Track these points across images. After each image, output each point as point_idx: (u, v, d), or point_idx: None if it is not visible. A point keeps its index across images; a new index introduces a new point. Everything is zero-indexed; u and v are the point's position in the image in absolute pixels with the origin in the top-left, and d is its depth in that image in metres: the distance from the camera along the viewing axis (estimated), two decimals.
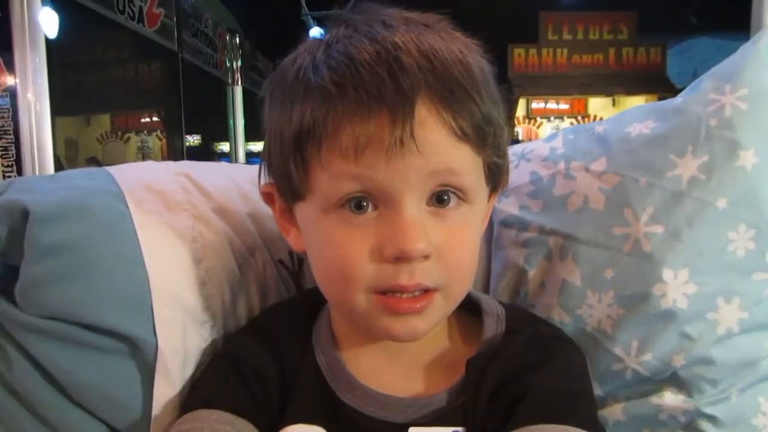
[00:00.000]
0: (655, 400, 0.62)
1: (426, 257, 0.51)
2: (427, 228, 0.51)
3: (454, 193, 0.52)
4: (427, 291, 0.53)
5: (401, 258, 0.50)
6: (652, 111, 0.70)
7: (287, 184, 0.55)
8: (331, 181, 0.51)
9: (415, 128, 0.48)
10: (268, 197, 0.62)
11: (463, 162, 0.52)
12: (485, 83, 0.53)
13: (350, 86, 0.49)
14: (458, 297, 0.57)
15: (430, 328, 0.55)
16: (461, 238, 0.53)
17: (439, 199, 0.52)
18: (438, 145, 0.50)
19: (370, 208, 0.51)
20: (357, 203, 0.51)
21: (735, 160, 0.61)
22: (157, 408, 0.60)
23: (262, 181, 0.61)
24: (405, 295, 0.52)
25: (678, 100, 0.68)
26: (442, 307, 0.55)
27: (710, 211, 0.61)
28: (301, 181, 0.53)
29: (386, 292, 0.52)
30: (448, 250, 0.52)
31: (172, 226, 0.65)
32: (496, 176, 0.58)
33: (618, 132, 0.70)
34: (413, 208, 0.50)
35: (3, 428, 0.58)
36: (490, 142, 0.53)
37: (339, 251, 0.52)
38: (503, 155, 0.57)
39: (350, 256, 0.51)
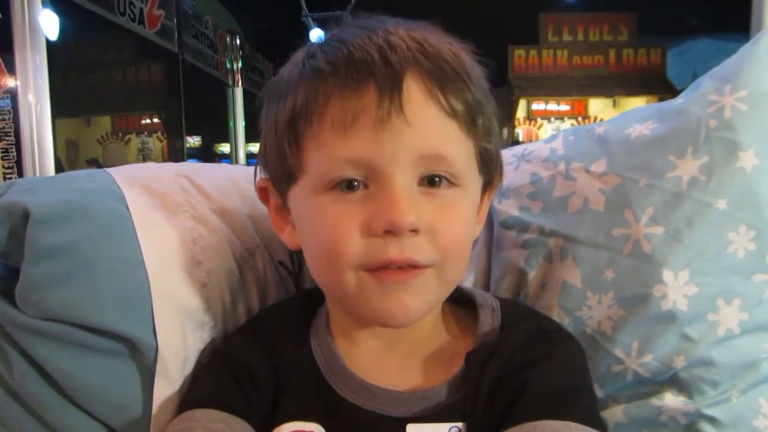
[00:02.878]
0: (655, 401, 0.62)
1: (416, 231, 0.51)
2: (418, 205, 0.51)
3: (445, 177, 0.53)
4: (417, 267, 0.52)
5: (391, 231, 0.50)
6: (652, 112, 0.70)
7: (281, 167, 0.56)
8: (323, 157, 0.52)
9: (403, 101, 0.49)
10: (263, 193, 0.63)
11: (452, 142, 0.53)
12: (476, 76, 0.55)
13: (341, 64, 0.51)
14: (454, 278, 0.57)
15: (422, 308, 0.54)
16: (453, 216, 0.54)
17: (430, 180, 0.53)
18: (427, 119, 0.51)
19: (361, 187, 0.52)
20: (348, 183, 0.52)
21: (735, 162, 0.61)
22: (156, 409, 0.60)
23: (258, 177, 0.62)
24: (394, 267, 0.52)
25: (678, 101, 0.68)
26: (435, 286, 0.54)
27: (710, 212, 0.61)
28: (294, 160, 0.54)
29: (376, 269, 0.52)
30: (440, 227, 0.52)
31: (173, 228, 0.65)
32: (488, 165, 0.58)
33: (618, 133, 0.70)
34: (403, 183, 0.51)
35: (4, 430, 0.58)
36: (481, 125, 0.54)
37: (328, 228, 0.52)
38: (495, 144, 0.58)
39: (339, 232, 0.52)
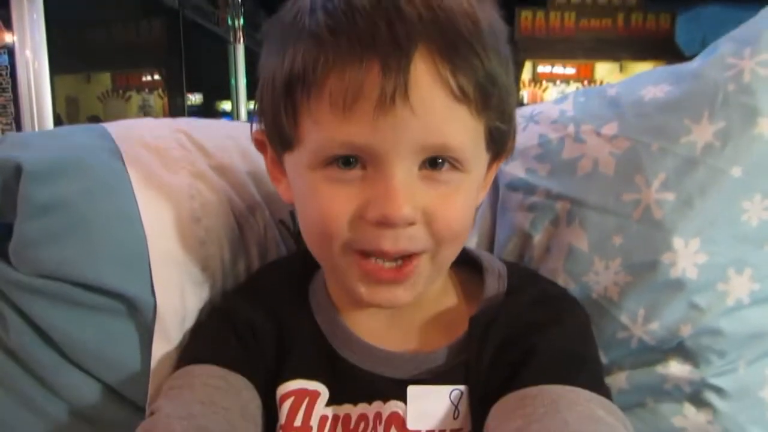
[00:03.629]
0: (660, 369, 0.61)
1: (411, 224, 0.49)
2: (416, 193, 0.49)
3: (448, 161, 0.50)
4: (411, 256, 0.51)
5: (384, 223, 0.48)
6: (666, 74, 0.67)
7: (277, 132, 0.53)
8: (319, 136, 0.49)
9: (409, 85, 0.45)
10: (260, 144, 0.60)
11: (459, 131, 0.49)
12: (493, 40, 0.49)
13: (344, 33, 0.46)
14: (447, 261, 0.55)
15: (413, 296, 0.53)
16: (453, 202, 0.51)
17: (432, 163, 0.50)
18: (434, 107, 0.46)
19: (358, 166, 0.49)
20: (345, 160, 0.49)
21: (753, 128, 0.59)
22: (155, 367, 0.59)
23: (255, 128, 0.59)
24: (387, 264, 0.51)
25: (694, 63, 0.66)
26: (427, 271, 0.53)
27: (724, 180, 0.59)
28: (290, 130, 0.51)
29: (367, 255, 0.51)
30: (437, 214, 0.50)
31: (170, 184, 0.64)
32: (498, 143, 0.55)
33: (631, 95, 0.68)
34: (403, 171, 0.48)
35: (1, 388, 0.58)
36: (494, 104, 0.50)
37: (321, 208, 0.50)
38: (508, 120, 0.54)
39: (331, 213, 0.50)
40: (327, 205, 0.50)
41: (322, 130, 0.48)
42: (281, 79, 0.50)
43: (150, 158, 0.65)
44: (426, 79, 0.46)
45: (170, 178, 0.64)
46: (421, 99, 0.46)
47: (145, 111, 7.11)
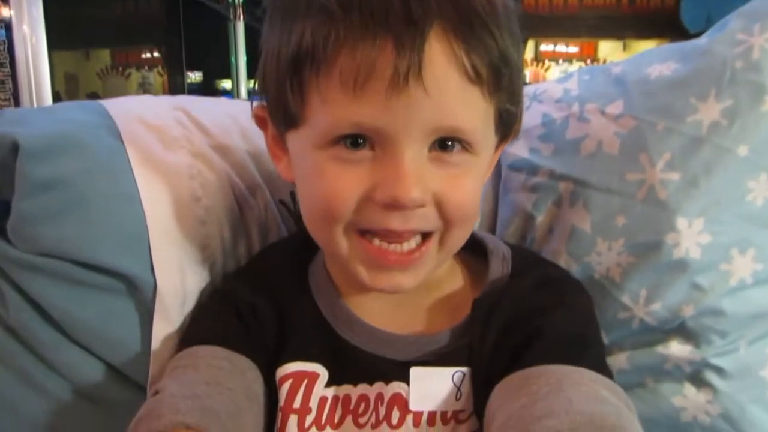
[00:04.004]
0: (660, 350, 0.61)
1: (421, 206, 0.49)
2: (425, 175, 0.48)
3: (459, 142, 0.49)
4: (423, 239, 0.51)
5: (393, 205, 0.47)
6: (673, 52, 0.66)
7: (281, 109, 0.51)
8: (327, 116, 0.47)
9: (423, 64, 0.44)
10: (260, 121, 0.58)
11: (471, 113, 0.48)
12: (506, 18, 0.48)
13: (356, 8, 0.44)
14: (455, 244, 0.54)
15: (418, 282, 0.53)
16: (463, 184, 0.50)
17: (442, 144, 0.49)
18: (448, 88, 0.46)
19: (366, 147, 0.48)
20: (353, 140, 0.48)
21: (760, 106, 0.58)
22: (156, 346, 0.59)
23: (255, 103, 0.57)
24: (392, 246, 0.50)
25: (702, 40, 0.65)
26: (434, 256, 0.53)
27: (730, 159, 0.58)
28: (296, 108, 0.49)
29: (370, 236, 0.50)
30: (447, 196, 0.49)
31: (169, 163, 0.63)
32: (507, 125, 0.54)
33: (636, 73, 0.67)
34: (413, 153, 0.47)
35: (2, 365, 0.58)
36: (505, 85, 0.49)
37: (327, 189, 0.49)
38: (517, 102, 0.53)
39: (339, 194, 0.49)
40: (334, 186, 0.49)
41: (331, 109, 0.47)
42: (288, 55, 0.48)
43: (149, 137, 0.64)
44: (440, 58, 0.45)
45: (169, 157, 0.63)
46: (435, 79, 0.45)
47: (144, 88, 7.05)
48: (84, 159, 0.58)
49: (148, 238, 0.59)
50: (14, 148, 0.55)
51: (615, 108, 0.65)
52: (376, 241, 0.50)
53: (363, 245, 0.51)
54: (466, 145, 0.49)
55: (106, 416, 0.59)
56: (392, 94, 0.44)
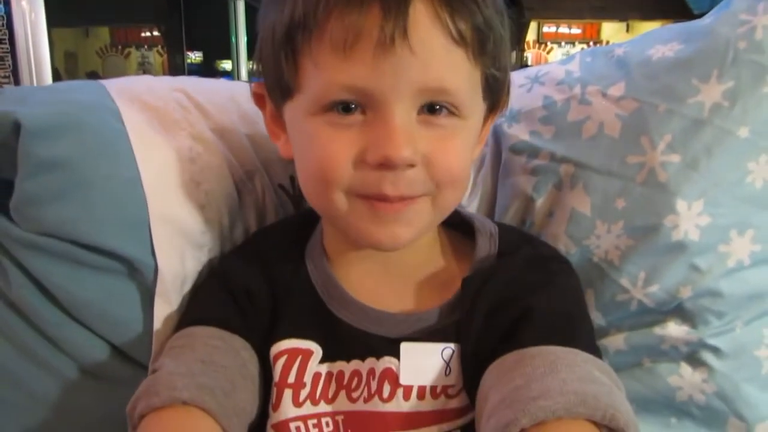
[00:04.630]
0: (658, 330, 0.62)
1: (411, 166, 0.50)
2: (415, 136, 0.49)
3: (446, 107, 0.51)
4: (412, 198, 0.52)
5: (385, 165, 0.49)
6: (676, 32, 0.66)
7: (277, 80, 0.53)
8: (319, 80, 0.49)
9: (408, 26, 0.46)
10: (258, 99, 0.60)
11: (457, 75, 0.50)
12: None
13: None
14: (448, 206, 0.56)
15: (413, 236, 0.54)
16: (452, 147, 0.52)
17: (430, 108, 0.50)
18: (433, 48, 0.47)
19: (357, 111, 0.50)
20: (345, 106, 0.49)
21: (762, 87, 0.58)
22: (157, 327, 0.60)
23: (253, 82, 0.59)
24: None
25: (706, 20, 0.65)
26: (428, 213, 0.54)
27: (731, 140, 0.59)
28: (290, 76, 0.51)
29: (368, 197, 0.51)
30: (437, 157, 0.51)
31: (170, 146, 0.63)
32: (494, 91, 0.56)
33: (639, 55, 0.67)
34: (402, 114, 0.49)
35: (5, 341, 0.58)
36: (490, 50, 0.51)
37: (321, 152, 0.51)
38: (503, 70, 0.55)
39: (332, 157, 0.50)
40: (328, 150, 0.50)
41: (322, 72, 0.49)
42: (282, 28, 0.50)
43: (149, 119, 0.64)
44: (425, 20, 0.47)
45: (170, 140, 0.64)
46: (420, 39, 0.47)
47: (144, 68, 7.02)
48: (86, 140, 0.58)
49: (149, 221, 0.59)
50: (16, 127, 0.55)
51: (617, 90, 0.65)
52: (374, 200, 0.51)
53: (361, 202, 0.52)
54: (453, 109, 0.51)
55: (109, 392, 0.60)
56: (380, 54, 0.46)
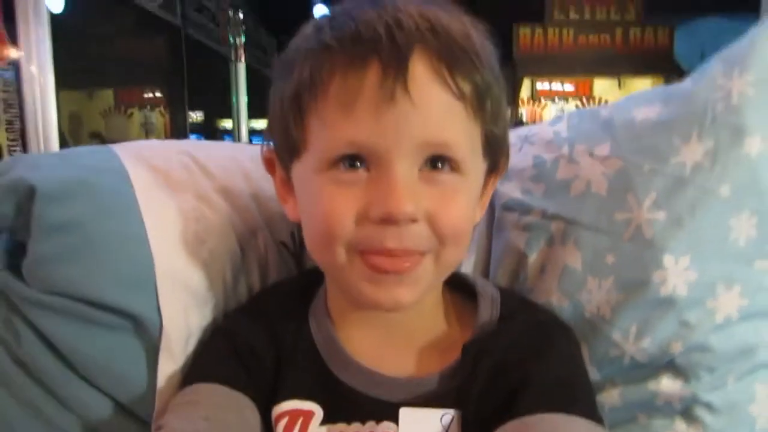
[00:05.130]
0: (652, 386, 0.62)
1: (414, 221, 0.51)
2: (417, 192, 0.51)
3: (448, 162, 0.52)
4: (416, 256, 0.53)
5: (387, 220, 0.50)
6: (658, 95, 0.69)
7: (285, 141, 0.55)
8: (325, 136, 0.51)
9: (408, 81, 0.48)
10: (269, 164, 0.63)
11: (457, 129, 0.52)
12: (486, 56, 0.53)
13: (348, 40, 0.50)
14: (450, 263, 0.56)
15: (415, 297, 0.54)
16: (454, 202, 0.53)
17: (432, 164, 0.52)
18: (432, 101, 0.50)
19: (362, 168, 0.51)
20: (351, 162, 0.51)
21: (740, 147, 0.60)
22: (161, 384, 0.61)
23: (265, 149, 0.62)
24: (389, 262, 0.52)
25: (686, 84, 0.68)
26: (431, 272, 0.54)
27: (713, 199, 0.60)
28: (298, 135, 0.54)
29: (369, 254, 0.52)
30: (440, 214, 0.52)
31: (176, 207, 0.66)
32: (494, 150, 0.57)
33: (623, 116, 0.69)
34: (404, 170, 0.50)
35: (13, 399, 0.59)
36: (489, 108, 0.53)
37: (325, 208, 0.52)
38: (502, 128, 0.57)
39: (335, 212, 0.51)
40: (331, 205, 0.52)
41: (328, 129, 0.51)
42: (289, 93, 0.53)
43: (156, 180, 0.67)
44: (425, 76, 0.49)
45: (176, 200, 0.66)
46: (420, 93, 0.49)
47: (147, 128, 7.13)
48: (95, 202, 0.61)
49: (155, 278, 0.61)
50: (31, 191, 0.58)
51: (602, 150, 0.68)
52: (375, 258, 0.52)
53: (363, 260, 0.52)
54: (454, 165, 0.53)
55: None
56: (382, 109, 0.49)
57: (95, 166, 0.65)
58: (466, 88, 0.51)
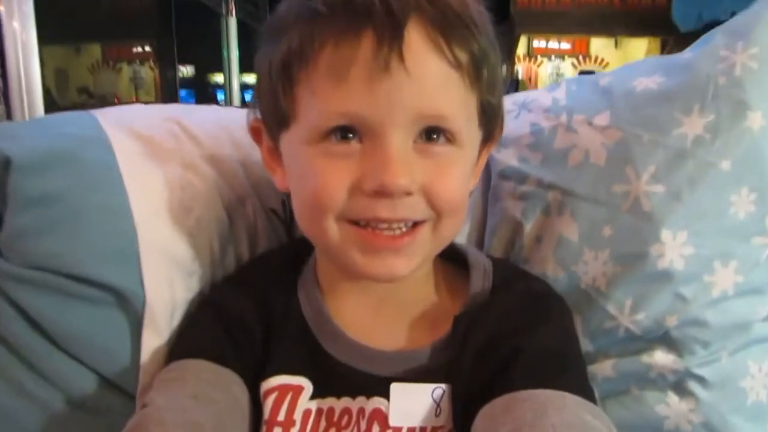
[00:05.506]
0: (645, 358, 0.62)
1: (409, 194, 0.50)
2: (412, 164, 0.49)
3: (443, 133, 0.51)
4: (414, 225, 0.52)
5: (381, 192, 0.49)
6: (659, 65, 0.67)
7: (273, 111, 0.53)
8: (316, 109, 0.49)
9: (404, 50, 0.46)
10: (256, 133, 0.60)
11: (453, 100, 0.50)
12: (483, 23, 0.52)
13: (340, 7, 0.48)
14: (447, 235, 0.55)
15: (411, 269, 0.53)
16: (449, 174, 0.52)
17: (427, 135, 0.50)
18: (429, 71, 0.48)
19: (355, 140, 0.50)
20: (343, 134, 0.49)
21: (742, 121, 0.59)
22: (145, 358, 0.60)
23: (251, 117, 0.59)
24: (385, 232, 0.51)
25: (687, 54, 0.66)
26: (428, 243, 0.53)
27: (713, 173, 0.59)
28: (287, 106, 0.52)
29: (362, 224, 0.51)
30: (435, 186, 0.51)
31: (161, 175, 0.64)
32: (490, 119, 0.56)
33: (623, 85, 0.68)
34: (399, 141, 0.49)
35: None
36: (485, 76, 0.51)
37: (317, 180, 0.50)
38: (498, 98, 0.56)
39: (327, 185, 0.50)
40: (323, 178, 0.50)
41: (318, 100, 0.49)
42: (278, 61, 0.51)
43: (141, 149, 0.64)
44: (421, 45, 0.47)
45: (161, 169, 0.64)
46: (416, 63, 0.47)
47: (136, 83, 7.01)
48: (75, 173, 0.59)
49: (138, 251, 0.59)
50: (6, 163, 0.56)
51: (602, 119, 0.66)
52: (369, 228, 0.51)
53: (354, 231, 0.51)
54: (449, 136, 0.51)
55: (98, 424, 0.59)
56: (375, 79, 0.47)
57: (76, 135, 0.62)
58: (463, 57, 0.49)
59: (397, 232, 0.51)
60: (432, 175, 0.50)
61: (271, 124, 0.56)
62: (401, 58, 0.46)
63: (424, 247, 0.53)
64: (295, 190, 0.55)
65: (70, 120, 0.67)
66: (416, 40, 0.47)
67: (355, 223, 0.51)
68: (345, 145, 0.50)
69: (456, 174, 0.53)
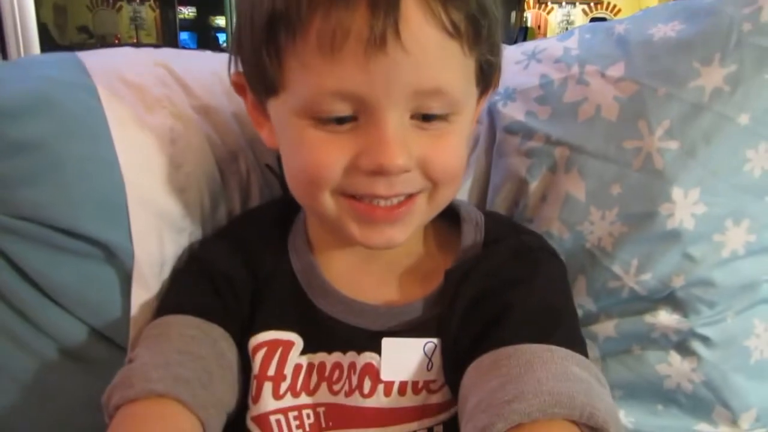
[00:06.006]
0: (648, 318, 0.61)
1: (406, 171, 0.48)
2: (409, 140, 0.47)
3: (441, 102, 0.48)
4: (410, 195, 0.51)
5: (379, 172, 0.47)
6: (680, 11, 0.64)
7: (259, 75, 0.49)
8: (307, 84, 0.46)
9: (399, 22, 0.42)
10: (239, 88, 0.57)
11: (451, 71, 0.47)
12: None
13: None
14: (444, 201, 0.54)
15: (408, 236, 0.53)
16: (447, 145, 0.50)
17: (425, 116, 0.48)
18: (427, 44, 0.44)
19: (350, 120, 0.47)
20: (338, 119, 0.47)
21: (765, 72, 0.56)
22: (135, 312, 0.59)
23: (232, 69, 0.55)
24: (382, 203, 0.50)
25: None
26: (424, 211, 0.53)
27: (730, 127, 0.57)
28: (275, 74, 0.48)
29: (357, 197, 0.50)
30: (432, 159, 0.49)
31: (150, 126, 0.61)
32: (488, 76, 0.53)
33: (640, 33, 0.64)
34: (395, 120, 0.46)
35: None
36: (485, 36, 0.48)
37: (311, 157, 0.48)
38: (497, 52, 0.52)
39: (322, 163, 0.48)
40: (318, 155, 0.48)
41: (310, 75, 0.45)
42: (261, 19, 0.46)
43: (128, 96, 0.61)
44: (417, 15, 0.43)
45: (150, 119, 0.61)
46: (413, 37, 0.43)
47: (136, 23, 6.86)
48: (60, 120, 0.56)
49: (127, 205, 0.58)
50: None
51: (616, 70, 0.63)
52: (366, 201, 0.50)
53: (350, 204, 0.50)
54: (447, 111, 0.49)
55: (91, 374, 0.59)
56: (371, 56, 0.43)
57: (59, 79, 0.59)
58: (462, 22, 0.45)
59: (394, 202, 0.50)
60: (429, 147, 0.49)
61: (256, 87, 0.52)
62: (397, 33, 0.43)
63: (421, 215, 0.53)
64: (286, 159, 0.53)
65: (52, 62, 0.64)
66: (413, 9, 0.43)
67: (351, 196, 0.50)
68: (339, 126, 0.47)
69: (453, 143, 0.51)
